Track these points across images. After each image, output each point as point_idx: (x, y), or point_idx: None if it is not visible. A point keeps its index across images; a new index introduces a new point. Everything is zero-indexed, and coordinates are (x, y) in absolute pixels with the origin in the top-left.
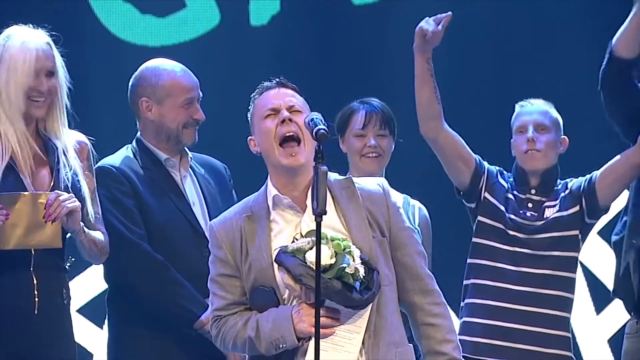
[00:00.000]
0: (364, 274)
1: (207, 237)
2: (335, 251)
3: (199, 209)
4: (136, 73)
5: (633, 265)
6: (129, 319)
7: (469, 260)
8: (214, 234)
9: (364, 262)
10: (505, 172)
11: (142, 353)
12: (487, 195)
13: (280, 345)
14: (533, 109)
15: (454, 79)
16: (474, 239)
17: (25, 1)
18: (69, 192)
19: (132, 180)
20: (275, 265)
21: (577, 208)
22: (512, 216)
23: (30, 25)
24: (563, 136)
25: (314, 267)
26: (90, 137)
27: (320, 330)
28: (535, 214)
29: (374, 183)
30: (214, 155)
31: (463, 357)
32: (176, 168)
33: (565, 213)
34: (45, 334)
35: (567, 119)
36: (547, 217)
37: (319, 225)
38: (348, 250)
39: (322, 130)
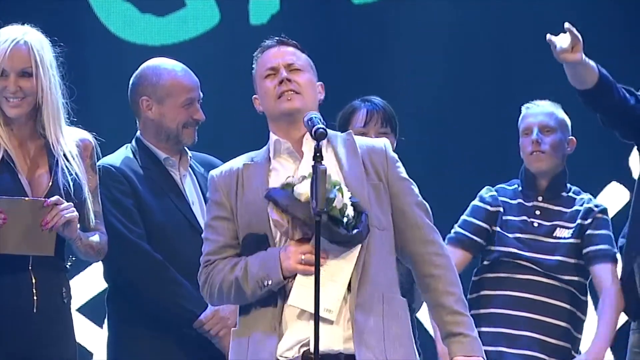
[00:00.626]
0: (352, 215)
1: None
2: (332, 186)
3: (198, 208)
4: (137, 72)
5: (638, 270)
6: (128, 318)
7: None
8: (212, 180)
9: (353, 204)
10: (504, 186)
11: (142, 352)
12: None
13: (266, 283)
14: (538, 111)
15: (454, 79)
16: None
17: (25, 0)
18: (68, 193)
19: (132, 179)
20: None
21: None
22: (519, 234)
23: (23, 24)
24: (571, 137)
25: (302, 199)
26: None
27: (304, 267)
28: (544, 224)
29: (375, 139)
30: (214, 155)
31: None
32: (176, 167)
33: (576, 241)
34: (45, 334)
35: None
36: (557, 237)
37: (318, 224)
38: (338, 187)
39: (320, 129)
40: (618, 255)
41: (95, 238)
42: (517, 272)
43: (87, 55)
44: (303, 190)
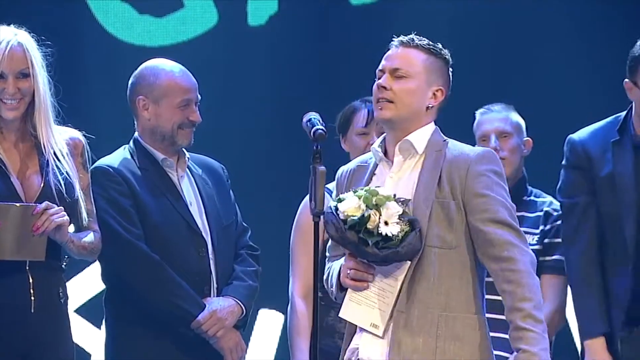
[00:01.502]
0: (396, 232)
1: (204, 236)
2: (365, 205)
3: (196, 209)
4: (136, 72)
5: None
6: (126, 319)
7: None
8: (337, 178)
9: (410, 221)
10: None
11: (140, 353)
12: None
13: (333, 294)
14: (493, 117)
15: (452, 80)
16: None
17: (24, 1)
18: (60, 193)
19: (129, 180)
20: None
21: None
22: None
23: (13, 26)
24: (526, 138)
25: (340, 217)
26: (89, 135)
27: (353, 283)
28: None
29: (470, 148)
30: (212, 156)
31: None
32: (173, 168)
33: (540, 248)
34: (42, 333)
35: (563, 120)
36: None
37: (316, 225)
38: (377, 206)
39: (319, 131)
40: None
41: (88, 238)
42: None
43: (86, 56)
44: (342, 207)
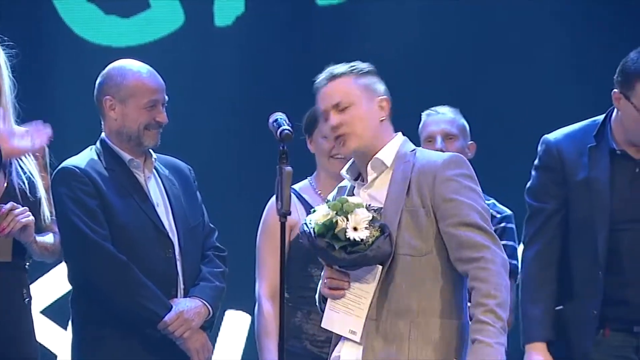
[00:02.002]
0: (365, 237)
1: (171, 237)
2: (333, 212)
3: (163, 210)
4: (103, 72)
5: None
6: (92, 320)
7: None
8: None
9: (380, 226)
10: None
11: (106, 354)
12: None
13: (319, 305)
14: (440, 118)
15: (419, 81)
16: None
17: None
18: (24, 192)
19: (96, 180)
20: None
21: None
22: None
23: None
24: (471, 142)
25: (311, 225)
26: (54, 138)
27: (330, 291)
28: None
29: (438, 154)
30: (179, 157)
31: None
32: (140, 169)
33: None
34: (5, 333)
35: (534, 121)
36: None
37: (283, 225)
38: (345, 212)
39: (286, 131)
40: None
41: (49, 239)
42: None
43: (52, 57)
44: (313, 216)
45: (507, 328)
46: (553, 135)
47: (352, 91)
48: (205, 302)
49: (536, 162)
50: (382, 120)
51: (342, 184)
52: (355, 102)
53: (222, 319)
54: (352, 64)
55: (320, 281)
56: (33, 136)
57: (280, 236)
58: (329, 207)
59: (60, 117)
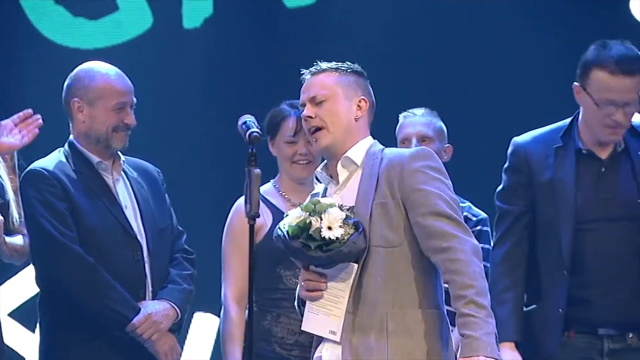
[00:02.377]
0: (340, 235)
1: (139, 240)
2: (307, 212)
3: (131, 213)
4: (71, 74)
5: None
6: (60, 322)
7: None
8: None
9: (354, 224)
10: None
11: (74, 356)
12: None
13: (300, 314)
14: (416, 120)
15: (389, 83)
16: None
17: None
18: None
19: (64, 183)
20: None
21: None
22: None
23: None
24: (447, 144)
25: (283, 228)
26: None
27: (308, 294)
28: None
29: (407, 149)
30: (147, 159)
31: None
32: (108, 171)
33: None
34: None
35: (504, 123)
36: None
37: (251, 228)
38: (318, 212)
39: (254, 133)
40: None
41: (18, 241)
42: None
43: (19, 59)
44: (287, 220)
45: (491, 313)
46: (521, 138)
47: (330, 86)
48: (173, 305)
49: (506, 164)
50: (356, 119)
51: (314, 191)
52: (331, 96)
53: (191, 321)
54: (341, 63)
55: (298, 285)
56: (22, 131)
57: (249, 239)
58: (302, 209)
59: None
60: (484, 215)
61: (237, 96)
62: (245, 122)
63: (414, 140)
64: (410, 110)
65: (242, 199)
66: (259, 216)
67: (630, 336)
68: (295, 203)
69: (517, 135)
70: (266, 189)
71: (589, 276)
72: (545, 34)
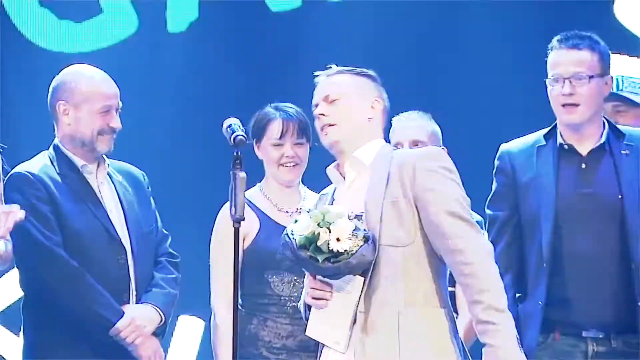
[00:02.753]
0: (348, 248)
1: (124, 243)
2: (316, 222)
3: (116, 216)
4: (57, 76)
5: None
6: (44, 325)
7: None
8: None
9: (364, 236)
10: None
11: None
12: None
13: (305, 318)
14: (408, 124)
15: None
16: None
17: None
18: None
19: (49, 186)
20: None
21: None
22: None
23: None
24: (442, 147)
25: (294, 237)
26: (2, 145)
27: (314, 301)
28: None
29: (418, 149)
30: (132, 162)
31: None
32: (93, 175)
33: None
34: None
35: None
36: None
37: (237, 231)
38: (327, 223)
39: (240, 136)
40: None
41: (1, 245)
42: None
43: (2, 62)
44: (295, 228)
45: (510, 315)
46: (508, 143)
47: (344, 86)
48: (157, 309)
49: (494, 169)
50: (369, 119)
51: (323, 191)
52: (345, 96)
53: (175, 324)
54: (354, 67)
55: (304, 290)
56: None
57: (234, 242)
58: (310, 218)
59: (14, 123)
60: (478, 218)
61: (222, 100)
62: (230, 126)
63: (406, 145)
64: (402, 114)
65: (228, 204)
66: (244, 219)
67: (614, 339)
68: (282, 208)
69: (510, 138)
70: (252, 192)
71: (569, 273)
72: (534, 37)
